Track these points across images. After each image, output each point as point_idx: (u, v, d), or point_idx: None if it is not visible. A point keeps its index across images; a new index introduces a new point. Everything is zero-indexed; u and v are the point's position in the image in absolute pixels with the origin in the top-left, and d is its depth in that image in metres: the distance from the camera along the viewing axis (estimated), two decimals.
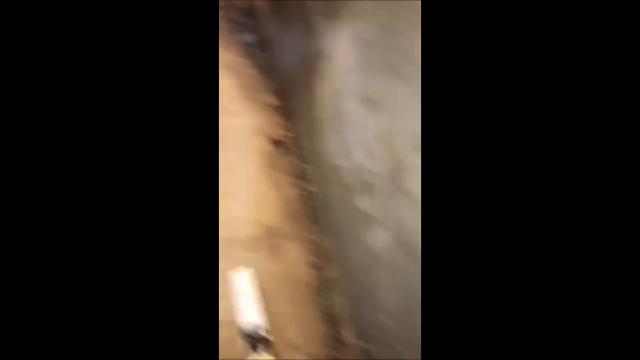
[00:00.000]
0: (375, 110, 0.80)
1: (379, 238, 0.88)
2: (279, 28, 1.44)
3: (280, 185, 1.33)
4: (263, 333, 0.98)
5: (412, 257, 0.74)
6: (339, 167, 1.03)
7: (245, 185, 1.31)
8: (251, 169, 1.34)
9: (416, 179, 0.68)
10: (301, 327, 1.13)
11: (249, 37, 1.58)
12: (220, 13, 1.63)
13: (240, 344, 0.99)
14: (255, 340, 0.98)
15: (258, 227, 1.24)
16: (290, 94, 1.40)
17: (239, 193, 1.28)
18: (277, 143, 1.39)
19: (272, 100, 1.46)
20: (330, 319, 1.16)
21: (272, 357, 0.97)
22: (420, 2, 0.59)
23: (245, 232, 1.22)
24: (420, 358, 0.63)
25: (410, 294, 0.77)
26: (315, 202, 1.29)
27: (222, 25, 1.61)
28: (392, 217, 0.79)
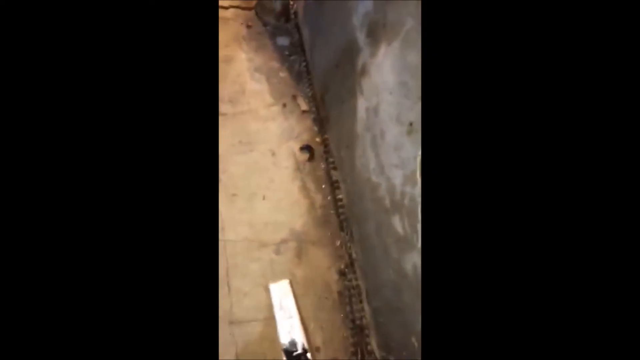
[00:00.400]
0: (412, 135, 0.80)
1: (409, 260, 0.89)
2: (316, 33, 1.44)
3: (311, 191, 1.36)
4: (301, 350, 1.00)
5: None
6: (376, 184, 1.04)
7: (276, 189, 1.34)
8: (283, 174, 1.37)
9: None
10: (324, 331, 1.16)
11: (283, 40, 1.59)
12: (252, 14, 1.64)
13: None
14: (294, 357, 1.00)
15: (287, 231, 1.27)
16: (325, 102, 1.41)
17: (270, 196, 1.32)
18: (309, 149, 1.41)
19: (306, 106, 1.48)
20: (355, 326, 1.19)
21: None
22: None
23: (274, 235, 1.26)
24: None
25: None
26: (345, 211, 1.30)
27: (255, 27, 1.63)
28: None
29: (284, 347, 0.99)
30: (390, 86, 0.90)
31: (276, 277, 1.20)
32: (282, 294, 1.08)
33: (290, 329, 1.02)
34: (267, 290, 1.17)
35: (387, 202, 0.99)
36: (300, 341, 1.00)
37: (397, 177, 0.93)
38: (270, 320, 1.14)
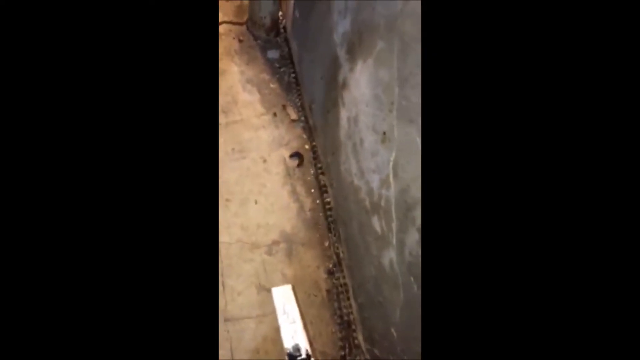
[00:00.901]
0: (386, 143, 0.89)
1: (386, 256, 0.97)
2: (303, 46, 1.53)
3: (300, 195, 1.44)
4: (305, 355, 1.01)
5: (414, 277, 0.83)
6: (358, 187, 1.12)
7: (268, 193, 1.42)
8: (274, 179, 1.45)
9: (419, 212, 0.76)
10: (313, 327, 1.24)
11: (273, 54, 1.68)
12: (243, 29, 1.73)
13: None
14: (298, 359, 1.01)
15: (278, 233, 1.35)
16: (312, 111, 1.49)
17: (262, 201, 1.40)
18: (299, 156, 1.49)
19: (296, 115, 1.57)
20: (342, 322, 1.26)
21: None
22: None
23: (266, 237, 1.34)
24: None
25: (412, 309, 0.86)
26: (333, 213, 1.38)
27: (247, 41, 1.72)
28: (399, 240, 0.88)
29: (288, 351, 1.02)
30: (366, 99, 0.98)
31: (268, 277, 1.27)
32: (285, 299, 1.11)
33: (293, 334, 1.05)
34: (260, 289, 1.24)
35: (367, 203, 1.07)
36: (304, 346, 1.02)
37: (375, 180, 1.01)
38: (262, 317, 1.21)
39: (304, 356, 1.01)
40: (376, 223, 1.02)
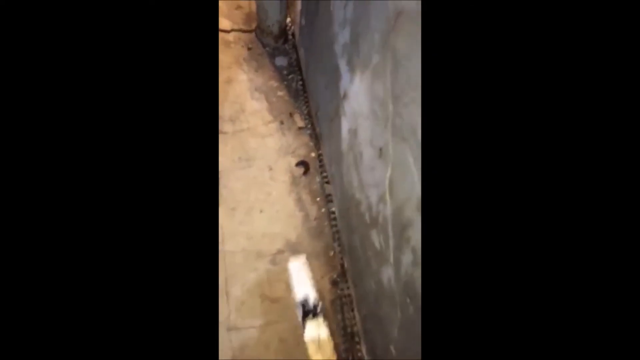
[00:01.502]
0: (382, 159, 0.87)
1: (385, 273, 0.95)
2: (310, 54, 1.52)
3: (306, 204, 1.44)
4: (313, 302, 1.23)
5: (410, 298, 0.81)
6: (358, 200, 1.11)
7: (273, 202, 1.43)
8: (280, 188, 1.46)
9: (416, 232, 0.74)
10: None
11: (281, 61, 1.68)
12: (252, 37, 1.74)
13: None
14: (307, 309, 1.22)
15: (283, 242, 1.36)
16: (318, 119, 1.49)
17: (267, 209, 1.40)
18: (304, 164, 1.49)
19: (302, 122, 1.56)
20: (346, 333, 1.25)
21: (321, 321, 1.21)
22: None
23: (270, 246, 1.34)
24: None
25: (409, 330, 0.84)
26: (337, 223, 1.37)
27: (255, 49, 1.73)
28: (396, 258, 0.86)
29: (299, 301, 1.23)
30: (364, 112, 0.96)
31: (272, 286, 1.28)
32: (299, 268, 1.29)
33: (305, 290, 1.24)
34: (263, 299, 1.25)
35: (367, 217, 1.06)
36: (313, 296, 1.23)
37: (373, 195, 0.99)
38: (265, 327, 1.22)
39: (312, 304, 1.21)
40: (375, 238, 1.01)
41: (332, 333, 1.22)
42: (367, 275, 1.12)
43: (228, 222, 1.35)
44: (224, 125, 1.53)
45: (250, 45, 1.73)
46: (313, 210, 1.43)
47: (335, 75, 1.17)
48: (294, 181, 1.47)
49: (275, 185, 1.45)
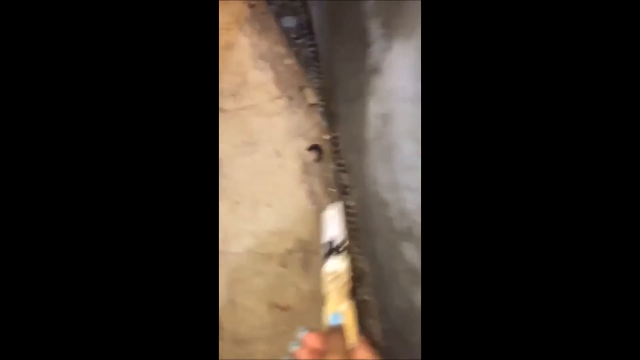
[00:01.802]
0: None
1: (418, 293, 0.80)
2: (325, 13, 1.26)
3: (319, 196, 1.26)
4: (338, 242, 1.09)
5: None
6: (385, 201, 0.93)
7: (282, 194, 1.25)
8: (289, 177, 1.27)
9: None
10: None
11: (290, 22, 1.41)
12: None
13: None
14: (332, 247, 1.10)
15: (293, 240, 1.20)
16: (335, 95, 1.26)
17: (275, 203, 1.23)
18: (317, 149, 1.28)
19: (314, 98, 1.33)
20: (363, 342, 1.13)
21: (343, 257, 1.09)
22: None
23: (279, 245, 1.19)
24: None
25: None
26: (355, 220, 1.20)
27: (259, 6, 1.45)
28: None
29: (326, 241, 1.10)
30: (406, 94, 0.75)
31: (282, 292, 1.14)
32: (332, 215, 1.16)
33: (333, 232, 1.11)
34: (271, 307, 1.12)
35: (396, 224, 0.88)
36: (340, 239, 1.10)
37: (410, 201, 0.80)
38: (275, 338, 1.10)
39: (336, 244, 1.08)
40: (407, 251, 0.84)
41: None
42: (393, 290, 0.96)
43: (231, 219, 1.19)
44: (223, 102, 1.31)
45: (252, 2, 1.45)
46: (326, 203, 1.25)
47: (361, 42, 0.92)
48: (306, 169, 1.28)
49: (283, 174, 1.27)
